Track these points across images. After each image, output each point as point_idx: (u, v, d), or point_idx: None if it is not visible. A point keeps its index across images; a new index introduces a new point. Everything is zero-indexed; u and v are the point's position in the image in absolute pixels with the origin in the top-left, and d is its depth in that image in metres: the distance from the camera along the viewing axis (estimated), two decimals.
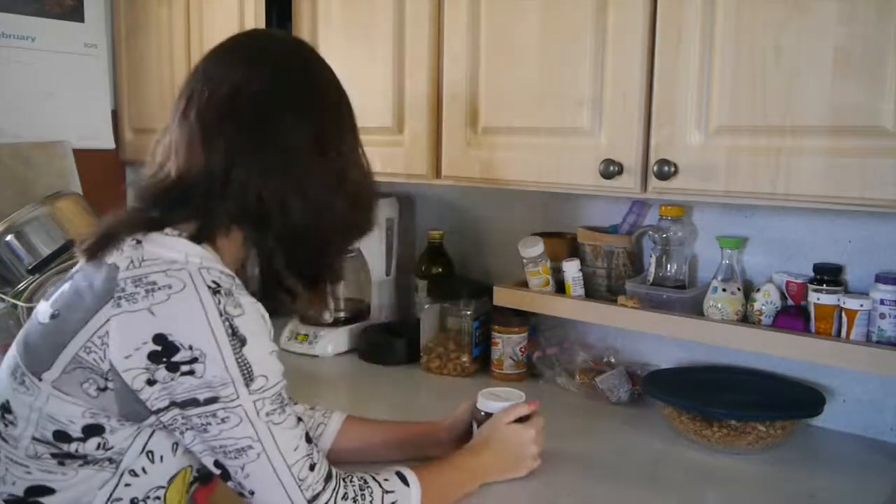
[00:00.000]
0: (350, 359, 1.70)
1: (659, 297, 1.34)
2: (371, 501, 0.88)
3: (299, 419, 0.88)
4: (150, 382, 0.80)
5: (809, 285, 1.22)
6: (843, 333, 1.17)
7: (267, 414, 0.83)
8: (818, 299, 1.20)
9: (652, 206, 1.45)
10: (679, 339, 1.42)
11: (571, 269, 1.44)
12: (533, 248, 1.46)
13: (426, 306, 1.65)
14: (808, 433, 1.28)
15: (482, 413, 1.12)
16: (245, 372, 0.81)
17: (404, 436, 1.14)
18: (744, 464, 1.17)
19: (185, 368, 0.79)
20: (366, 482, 0.89)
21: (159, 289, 0.80)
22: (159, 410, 0.81)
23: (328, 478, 0.87)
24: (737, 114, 1.03)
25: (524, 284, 1.50)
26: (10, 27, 1.93)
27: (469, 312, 1.58)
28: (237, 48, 0.96)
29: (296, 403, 1.04)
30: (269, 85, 0.91)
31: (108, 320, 0.80)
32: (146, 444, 0.85)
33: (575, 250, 1.50)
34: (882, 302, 1.14)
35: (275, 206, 0.88)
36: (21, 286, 1.47)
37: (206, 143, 0.88)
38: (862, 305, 1.16)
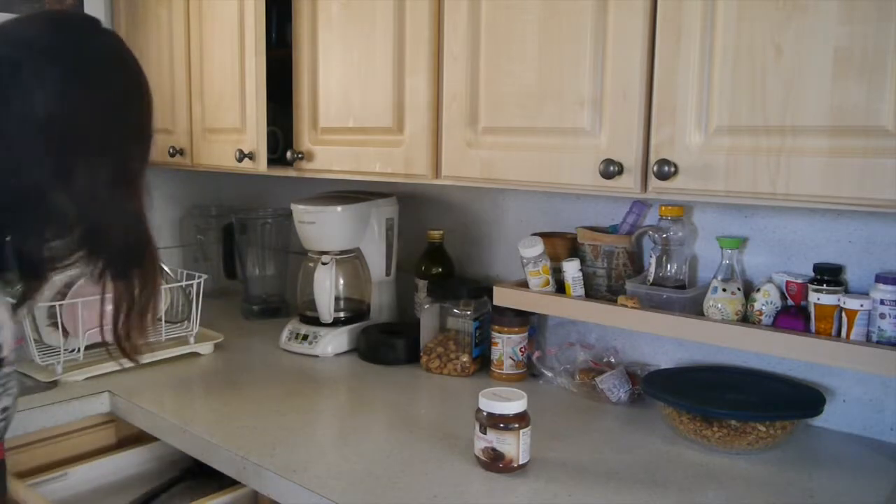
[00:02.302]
0: (350, 359, 1.71)
1: (659, 297, 1.34)
2: None
3: None
4: None
5: (809, 285, 1.22)
6: (843, 333, 1.17)
7: None
8: (818, 299, 1.20)
9: (652, 206, 1.45)
10: (679, 339, 1.42)
11: (571, 269, 1.44)
12: (533, 248, 1.46)
13: (426, 306, 1.65)
14: (808, 433, 1.28)
15: (483, 413, 1.12)
16: None
17: None
18: (744, 464, 1.17)
19: None
20: None
21: None
22: None
23: None
24: (737, 114, 1.03)
25: (524, 284, 1.50)
26: None
27: (469, 312, 1.59)
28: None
29: None
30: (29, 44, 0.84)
31: None
32: None
33: (575, 250, 1.50)
34: (882, 302, 1.14)
35: None
36: (21, 286, 1.47)
37: None
38: (862, 305, 1.16)
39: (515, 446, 1.11)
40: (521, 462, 1.12)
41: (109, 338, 0.96)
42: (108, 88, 0.91)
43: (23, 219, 0.85)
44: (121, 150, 0.91)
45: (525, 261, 1.47)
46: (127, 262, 0.92)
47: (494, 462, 1.12)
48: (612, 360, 1.48)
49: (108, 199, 0.88)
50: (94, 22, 0.93)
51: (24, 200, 0.84)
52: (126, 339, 0.96)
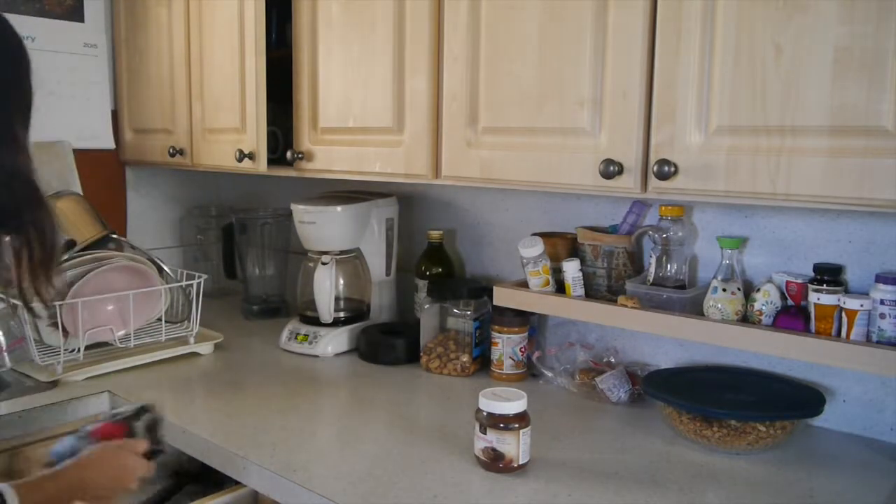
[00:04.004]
0: (350, 359, 1.71)
1: (659, 297, 1.34)
2: None
3: None
4: None
5: (809, 285, 1.22)
6: (843, 333, 1.17)
7: None
8: (818, 299, 1.20)
9: (652, 206, 1.45)
10: (679, 339, 1.42)
11: (571, 269, 1.44)
12: (533, 248, 1.46)
13: (426, 306, 1.65)
14: (808, 433, 1.28)
15: (483, 413, 1.12)
16: None
17: None
18: (744, 464, 1.17)
19: None
20: None
21: None
22: None
23: None
24: (737, 114, 1.03)
25: (524, 284, 1.50)
26: None
27: (469, 312, 1.59)
28: None
29: None
30: None
31: None
32: None
33: (575, 250, 1.50)
34: (882, 302, 1.14)
35: None
36: None
37: None
38: (862, 305, 1.16)
39: (515, 446, 1.11)
40: (521, 462, 1.12)
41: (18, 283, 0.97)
42: None
43: None
44: (6, 112, 0.91)
45: (525, 261, 1.47)
46: (18, 217, 0.92)
47: (494, 462, 1.12)
48: (612, 360, 1.48)
49: None
50: None
51: None
52: (33, 291, 0.96)
